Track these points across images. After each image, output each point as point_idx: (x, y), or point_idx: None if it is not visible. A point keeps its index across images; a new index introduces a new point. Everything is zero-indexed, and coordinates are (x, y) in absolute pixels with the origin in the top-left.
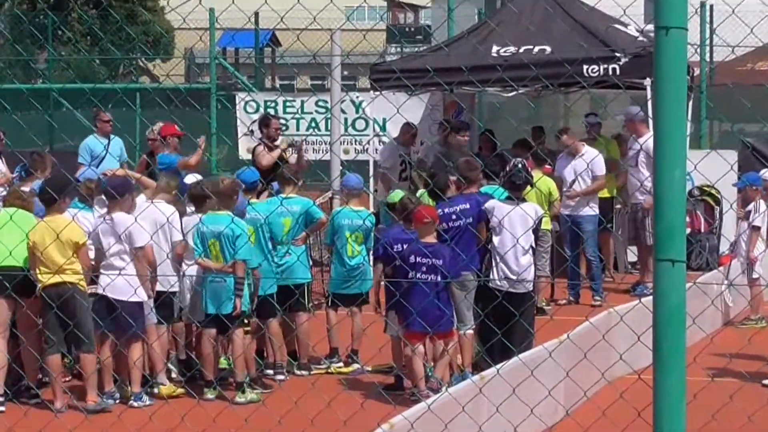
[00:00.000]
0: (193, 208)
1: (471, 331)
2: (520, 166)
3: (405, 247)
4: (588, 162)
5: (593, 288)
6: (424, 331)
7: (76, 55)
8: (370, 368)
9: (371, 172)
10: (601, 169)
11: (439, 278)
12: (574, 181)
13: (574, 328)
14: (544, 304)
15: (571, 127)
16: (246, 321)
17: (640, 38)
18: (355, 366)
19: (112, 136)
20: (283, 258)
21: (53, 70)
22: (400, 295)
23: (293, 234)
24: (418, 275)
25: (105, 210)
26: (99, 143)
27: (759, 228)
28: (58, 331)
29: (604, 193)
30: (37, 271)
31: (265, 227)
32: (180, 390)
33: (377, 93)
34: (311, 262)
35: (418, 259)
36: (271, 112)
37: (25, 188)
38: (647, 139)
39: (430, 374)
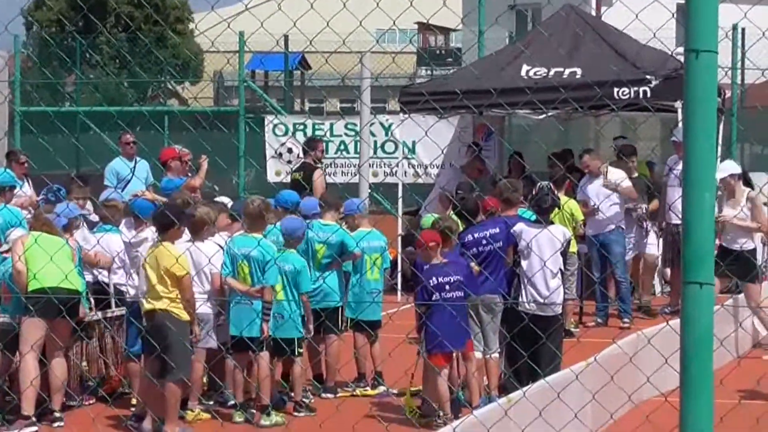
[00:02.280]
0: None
1: (497, 355)
2: (546, 188)
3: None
4: (612, 181)
5: (622, 310)
6: (448, 351)
7: (104, 78)
8: (395, 391)
9: (400, 194)
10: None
11: (462, 294)
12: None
13: (602, 351)
14: (572, 326)
15: (600, 150)
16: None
17: (673, 54)
18: (381, 388)
19: (138, 158)
20: (316, 281)
21: (81, 93)
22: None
23: (326, 260)
24: (443, 295)
25: (133, 232)
26: (125, 166)
27: None
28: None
29: None
30: (146, 295)
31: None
32: (205, 415)
33: (406, 116)
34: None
35: (440, 279)
36: (300, 135)
37: (50, 212)
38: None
39: (461, 397)
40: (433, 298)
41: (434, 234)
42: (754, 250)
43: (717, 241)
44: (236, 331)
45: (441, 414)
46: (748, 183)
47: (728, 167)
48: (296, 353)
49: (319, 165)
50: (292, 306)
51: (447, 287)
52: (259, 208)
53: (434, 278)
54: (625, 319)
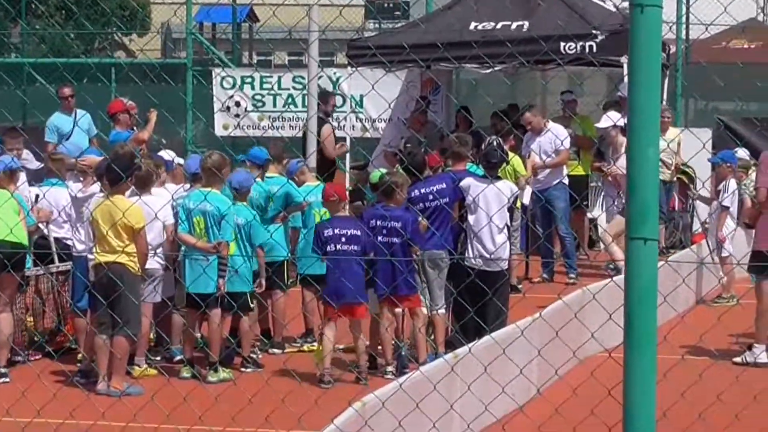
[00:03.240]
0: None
1: (443, 311)
2: (495, 144)
3: (380, 223)
4: (553, 137)
5: (567, 266)
6: (334, 304)
7: (50, 29)
8: (342, 346)
9: (347, 148)
10: (566, 143)
11: (357, 248)
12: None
13: (547, 307)
14: (516, 282)
15: (546, 104)
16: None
17: (618, 9)
18: None
19: (80, 111)
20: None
21: (27, 44)
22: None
23: (271, 213)
24: (338, 247)
25: (79, 185)
26: (65, 120)
27: (728, 207)
28: (105, 310)
29: (578, 170)
30: (95, 249)
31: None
32: (152, 371)
33: (354, 69)
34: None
35: (336, 231)
36: (248, 88)
37: None
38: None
39: (403, 353)
40: (328, 249)
41: (338, 187)
42: None
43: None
44: (192, 287)
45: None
46: None
47: (611, 117)
48: (249, 308)
49: (328, 120)
50: (244, 260)
51: (343, 239)
52: (217, 163)
53: (330, 229)
54: (571, 275)
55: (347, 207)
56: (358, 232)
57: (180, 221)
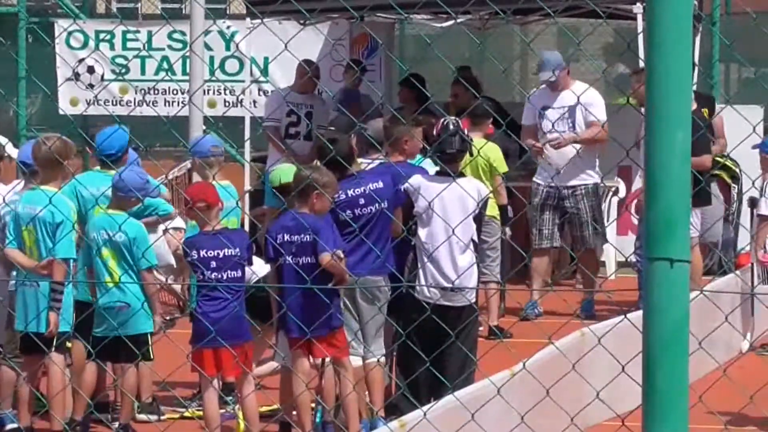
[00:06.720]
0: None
1: (383, 359)
2: (452, 127)
3: (291, 237)
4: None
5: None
6: (211, 347)
7: None
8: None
9: (247, 134)
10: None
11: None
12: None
13: (533, 355)
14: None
15: (528, 72)
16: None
17: None
18: (227, 408)
19: None
20: None
21: None
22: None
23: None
24: (212, 275)
25: None
26: None
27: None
28: None
29: None
30: None
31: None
32: None
33: (256, 22)
34: None
35: (205, 252)
36: (106, 47)
37: None
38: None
39: (318, 421)
40: (198, 275)
41: (205, 189)
42: None
43: None
44: (21, 324)
45: None
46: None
47: None
48: (150, 356)
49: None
50: (134, 289)
51: (213, 264)
52: (58, 151)
53: (195, 251)
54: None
55: (219, 216)
56: (240, 251)
57: (8, 233)
